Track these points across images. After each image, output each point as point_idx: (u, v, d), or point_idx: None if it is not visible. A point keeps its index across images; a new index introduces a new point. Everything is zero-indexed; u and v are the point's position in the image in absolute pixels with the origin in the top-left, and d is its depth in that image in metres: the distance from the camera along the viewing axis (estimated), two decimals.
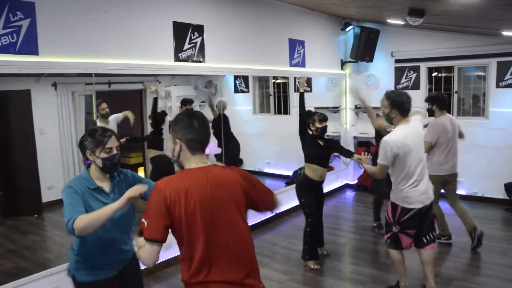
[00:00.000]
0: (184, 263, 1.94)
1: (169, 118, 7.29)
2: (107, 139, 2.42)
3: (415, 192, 3.54)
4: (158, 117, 6.01)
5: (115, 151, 2.45)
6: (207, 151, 2.20)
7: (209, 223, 1.89)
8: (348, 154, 4.64)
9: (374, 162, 4.14)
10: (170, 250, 4.53)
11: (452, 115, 6.96)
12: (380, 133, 4.71)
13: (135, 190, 2.15)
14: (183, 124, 1.97)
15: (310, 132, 4.59)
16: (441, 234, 5.14)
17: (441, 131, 4.90)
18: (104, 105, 5.53)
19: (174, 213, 1.85)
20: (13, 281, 3.51)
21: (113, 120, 5.76)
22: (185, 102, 6.67)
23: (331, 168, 7.87)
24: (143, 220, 1.87)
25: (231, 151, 6.70)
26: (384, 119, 3.83)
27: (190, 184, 1.89)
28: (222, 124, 6.36)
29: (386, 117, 3.68)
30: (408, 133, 3.52)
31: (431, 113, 5.08)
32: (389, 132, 3.73)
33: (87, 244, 2.42)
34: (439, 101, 5.04)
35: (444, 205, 5.12)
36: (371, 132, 7.04)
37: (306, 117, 4.62)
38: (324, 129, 4.53)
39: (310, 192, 4.60)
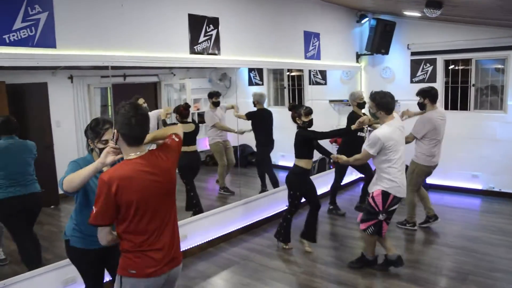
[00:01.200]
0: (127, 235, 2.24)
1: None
2: (103, 131, 2.65)
3: (403, 183, 4.03)
4: (182, 110, 5.90)
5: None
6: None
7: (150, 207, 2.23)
8: (326, 153, 4.89)
9: (342, 152, 4.92)
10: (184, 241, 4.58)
11: (469, 108, 6.91)
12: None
13: (105, 156, 2.30)
14: (122, 120, 2.18)
15: (297, 125, 4.78)
16: (407, 221, 5.38)
17: (431, 126, 5.06)
18: (141, 100, 5.49)
19: (121, 199, 2.13)
20: (31, 270, 3.58)
21: (153, 116, 5.66)
22: (212, 95, 6.74)
23: None
24: (93, 207, 2.15)
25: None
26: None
27: (131, 172, 2.17)
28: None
29: (373, 115, 4.31)
30: (394, 129, 3.96)
31: (422, 107, 5.24)
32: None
33: (83, 214, 2.66)
34: (431, 95, 5.16)
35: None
36: None
37: (291, 110, 4.88)
38: (311, 122, 4.73)
39: (303, 183, 4.83)
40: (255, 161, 7.00)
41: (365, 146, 4.08)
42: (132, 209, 2.16)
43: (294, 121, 4.78)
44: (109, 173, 2.14)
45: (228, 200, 6.09)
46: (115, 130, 2.22)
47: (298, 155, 4.79)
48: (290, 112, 4.85)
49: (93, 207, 2.14)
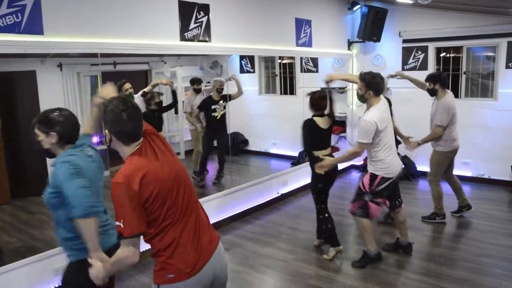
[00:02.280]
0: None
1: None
2: None
3: (393, 162, 3.93)
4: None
5: None
6: None
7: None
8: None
9: None
10: None
11: (460, 96, 6.93)
12: None
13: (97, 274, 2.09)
14: (112, 117, 1.95)
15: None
16: (436, 214, 5.24)
17: (453, 111, 4.97)
18: (127, 85, 5.48)
19: (145, 196, 1.90)
20: (22, 259, 3.57)
21: (139, 99, 5.65)
22: (193, 81, 6.76)
23: (336, 149, 7.86)
24: (117, 223, 1.87)
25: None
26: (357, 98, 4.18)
27: (147, 166, 1.94)
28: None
29: (360, 98, 4.02)
30: (383, 110, 3.90)
31: (433, 92, 5.08)
32: None
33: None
34: (442, 80, 5.05)
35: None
36: None
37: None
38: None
39: (325, 185, 4.40)
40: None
41: (358, 139, 3.89)
42: (157, 202, 1.93)
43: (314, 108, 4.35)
44: (121, 173, 1.89)
45: (219, 188, 6.09)
46: (106, 131, 2.00)
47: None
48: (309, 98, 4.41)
49: (118, 221, 1.86)
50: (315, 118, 4.26)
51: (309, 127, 4.28)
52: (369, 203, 3.98)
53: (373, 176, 3.95)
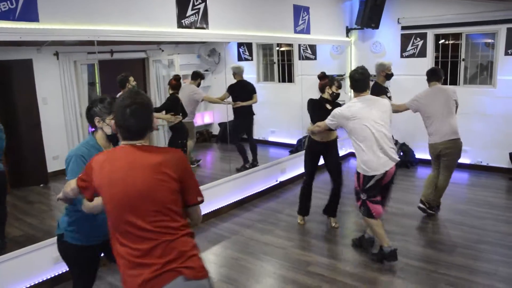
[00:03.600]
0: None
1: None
2: None
3: (372, 160, 3.76)
4: (173, 82, 6.08)
5: None
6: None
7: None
8: None
9: None
10: None
11: (459, 83, 6.91)
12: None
13: None
14: (117, 110, 1.93)
15: (323, 95, 4.63)
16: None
17: (425, 101, 4.90)
18: (131, 78, 5.47)
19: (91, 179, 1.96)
20: (21, 248, 3.57)
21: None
22: (195, 76, 6.79)
23: None
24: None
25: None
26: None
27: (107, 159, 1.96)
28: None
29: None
30: (362, 106, 3.82)
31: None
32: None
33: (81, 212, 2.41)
34: (427, 75, 5.04)
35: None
36: None
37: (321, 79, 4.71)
38: (338, 95, 4.64)
39: (312, 154, 4.78)
40: (230, 133, 6.96)
41: (326, 119, 4.05)
42: (103, 197, 2.00)
43: (322, 90, 4.64)
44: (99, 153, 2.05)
45: (219, 175, 6.09)
46: (112, 121, 2.02)
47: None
48: (319, 81, 4.68)
49: None
50: (322, 97, 4.61)
51: (312, 104, 4.62)
52: (368, 202, 3.86)
53: (357, 174, 3.90)
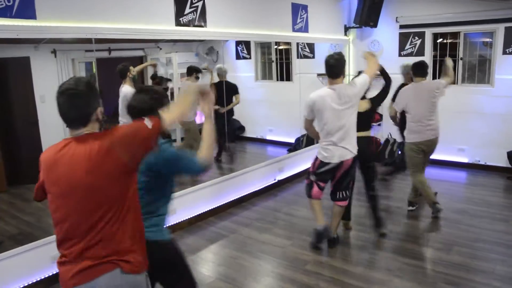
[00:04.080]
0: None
1: (170, 85, 7.25)
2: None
3: (331, 150, 3.91)
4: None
5: None
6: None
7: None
8: None
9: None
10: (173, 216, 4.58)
11: (457, 82, 6.92)
12: None
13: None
14: (56, 98, 1.83)
15: None
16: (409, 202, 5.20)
17: (406, 97, 4.88)
18: (132, 67, 5.48)
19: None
20: (19, 246, 3.56)
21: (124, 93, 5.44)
22: (190, 71, 6.65)
23: None
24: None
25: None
26: None
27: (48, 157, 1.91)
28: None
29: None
30: (328, 94, 3.83)
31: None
32: None
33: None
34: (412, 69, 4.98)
35: None
36: None
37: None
38: None
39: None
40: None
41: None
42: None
43: None
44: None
45: (217, 174, 6.08)
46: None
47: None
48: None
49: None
50: None
51: None
52: (314, 184, 4.11)
53: (315, 158, 4.09)
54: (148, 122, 1.82)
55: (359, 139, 4.09)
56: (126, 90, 5.10)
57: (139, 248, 1.90)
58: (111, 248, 1.80)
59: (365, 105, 4.32)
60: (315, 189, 4.12)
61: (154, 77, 6.06)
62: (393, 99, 5.15)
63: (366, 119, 4.38)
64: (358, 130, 4.09)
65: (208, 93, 2.23)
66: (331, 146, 3.91)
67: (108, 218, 1.78)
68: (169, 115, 1.95)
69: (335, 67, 3.89)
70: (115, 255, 1.80)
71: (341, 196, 4.19)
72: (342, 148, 3.89)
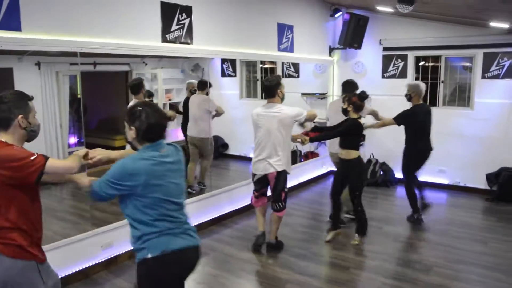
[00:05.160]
0: None
1: (155, 100, 7.23)
2: None
3: (255, 163, 4.44)
4: None
5: None
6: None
7: None
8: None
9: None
10: None
11: (438, 105, 7.06)
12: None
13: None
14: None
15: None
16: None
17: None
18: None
19: None
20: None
21: None
22: (202, 85, 6.42)
23: (316, 155, 7.89)
24: None
25: None
26: None
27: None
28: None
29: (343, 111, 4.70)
30: (261, 112, 4.39)
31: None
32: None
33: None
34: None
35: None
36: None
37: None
38: (345, 110, 4.74)
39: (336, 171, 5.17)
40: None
41: None
42: None
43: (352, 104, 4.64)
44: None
45: (197, 192, 6.05)
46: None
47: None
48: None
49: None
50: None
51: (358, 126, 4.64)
52: (253, 193, 4.64)
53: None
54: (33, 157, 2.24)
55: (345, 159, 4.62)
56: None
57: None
58: None
59: None
60: (252, 197, 4.68)
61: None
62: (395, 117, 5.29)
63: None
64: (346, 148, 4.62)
65: (93, 157, 2.45)
66: (254, 158, 4.45)
67: None
68: (57, 162, 2.40)
69: (269, 88, 4.38)
70: None
71: (275, 207, 4.54)
72: (267, 162, 4.35)
